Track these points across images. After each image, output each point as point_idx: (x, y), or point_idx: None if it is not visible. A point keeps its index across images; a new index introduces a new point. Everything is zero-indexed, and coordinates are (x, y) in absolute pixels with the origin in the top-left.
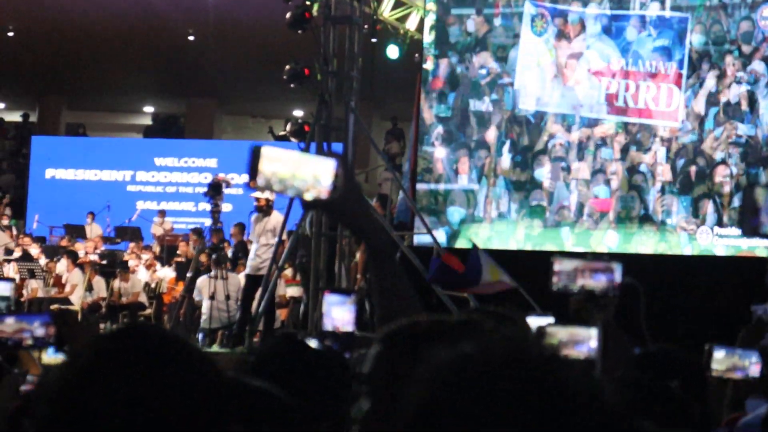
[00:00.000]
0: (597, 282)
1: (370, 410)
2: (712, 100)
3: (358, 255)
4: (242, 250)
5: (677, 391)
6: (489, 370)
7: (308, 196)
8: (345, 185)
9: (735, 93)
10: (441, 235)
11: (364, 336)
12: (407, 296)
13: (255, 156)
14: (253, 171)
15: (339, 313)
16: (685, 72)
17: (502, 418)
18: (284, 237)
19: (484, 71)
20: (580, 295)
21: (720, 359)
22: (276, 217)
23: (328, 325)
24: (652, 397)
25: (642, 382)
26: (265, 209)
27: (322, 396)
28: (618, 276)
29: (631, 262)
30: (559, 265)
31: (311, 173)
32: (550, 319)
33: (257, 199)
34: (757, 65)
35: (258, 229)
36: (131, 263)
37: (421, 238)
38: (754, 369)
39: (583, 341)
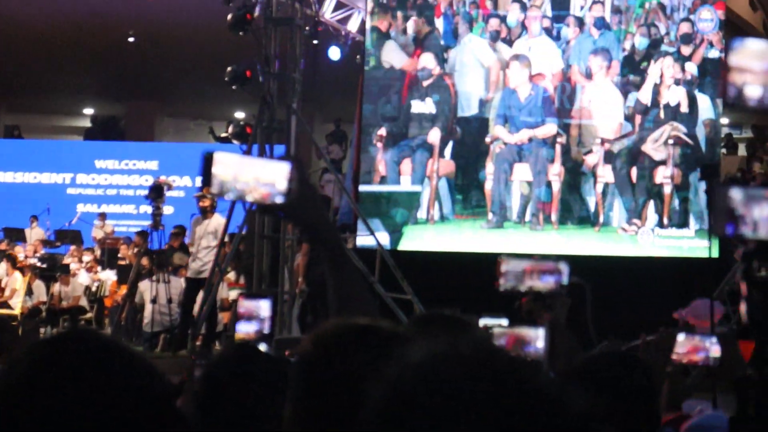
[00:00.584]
0: (544, 283)
1: (294, 413)
2: (651, 101)
3: (298, 258)
4: (182, 252)
5: (646, 385)
6: (463, 371)
7: (252, 198)
8: (300, 188)
9: (674, 94)
10: (384, 237)
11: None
12: (364, 299)
13: (208, 161)
14: (206, 176)
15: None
16: (622, 73)
17: (475, 419)
18: (226, 239)
19: (426, 72)
20: (528, 295)
21: (681, 342)
22: (217, 220)
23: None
24: (620, 394)
25: (610, 379)
26: (208, 211)
27: (274, 400)
28: (565, 277)
29: (572, 263)
30: (506, 266)
31: (266, 177)
32: (503, 321)
33: (202, 200)
34: (693, 67)
35: (199, 232)
36: (72, 267)
37: (364, 241)
38: (715, 350)
39: (530, 342)
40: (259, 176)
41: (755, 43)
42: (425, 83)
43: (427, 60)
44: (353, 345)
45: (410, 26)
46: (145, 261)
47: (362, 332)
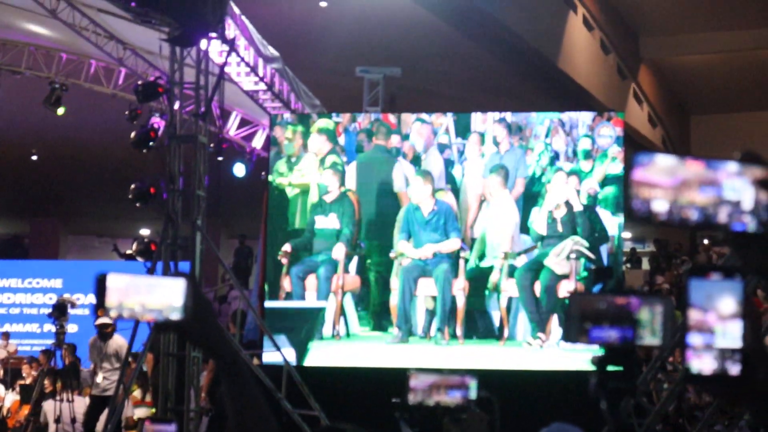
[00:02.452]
0: (452, 398)
1: None
2: (552, 216)
3: (204, 375)
4: (73, 371)
5: None
6: None
7: (159, 318)
8: (194, 304)
9: (575, 209)
10: (290, 353)
11: None
12: (261, 413)
13: (101, 283)
14: (100, 298)
15: None
16: (525, 189)
17: None
18: (130, 359)
19: (326, 188)
20: (437, 410)
21: None
22: (117, 342)
23: None
24: None
25: None
26: (109, 335)
27: None
28: (473, 391)
29: (479, 377)
30: (415, 381)
31: (159, 296)
32: None
33: (104, 325)
34: (594, 183)
35: (98, 354)
36: None
37: (270, 357)
38: None
39: None
40: (149, 298)
41: (663, 159)
42: (328, 199)
43: (327, 177)
44: None
45: (312, 144)
46: (48, 380)
47: None
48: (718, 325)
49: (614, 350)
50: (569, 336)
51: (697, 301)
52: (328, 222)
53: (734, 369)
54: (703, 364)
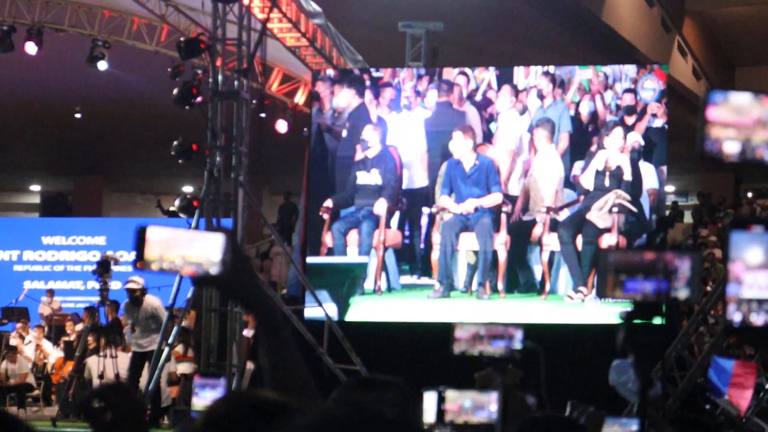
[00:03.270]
0: (495, 347)
1: None
2: (596, 170)
3: (249, 331)
4: (117, 327)
5: None
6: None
7: (198, 272)
8: (233, 259)
9: (618, 163)
10: (332, 309)
11: None
12: (298, 368)
13: (141, 236)
14: (139, 251)
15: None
16: (569, 142)
17: None
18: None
19: (368, 143)
20: (482, 361)
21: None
22: (151, 303)
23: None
24: None
25: None
26: (138, 297)
27: None
28: (518, 342)
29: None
30: (460, 331)
31: (198, 250)
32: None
33: (132, 291)
34: (638, 137)
35: (133, 318)
36: (12, 342)
37: (312, 312)
38: None
39: (484, 406)
40: (189, 251)
41: (738, 97)
42: (369, 155)
43: (368, 132)
44: (244, 421)
45: (343, 98)
46: (90, 337)
47: (253, 407)
48: (749, 275)
49: (641, 305)
50: (601, 291)
51: (738, 253)
52: (369, 177)
53: (760, 320)
54: (742, 315)
